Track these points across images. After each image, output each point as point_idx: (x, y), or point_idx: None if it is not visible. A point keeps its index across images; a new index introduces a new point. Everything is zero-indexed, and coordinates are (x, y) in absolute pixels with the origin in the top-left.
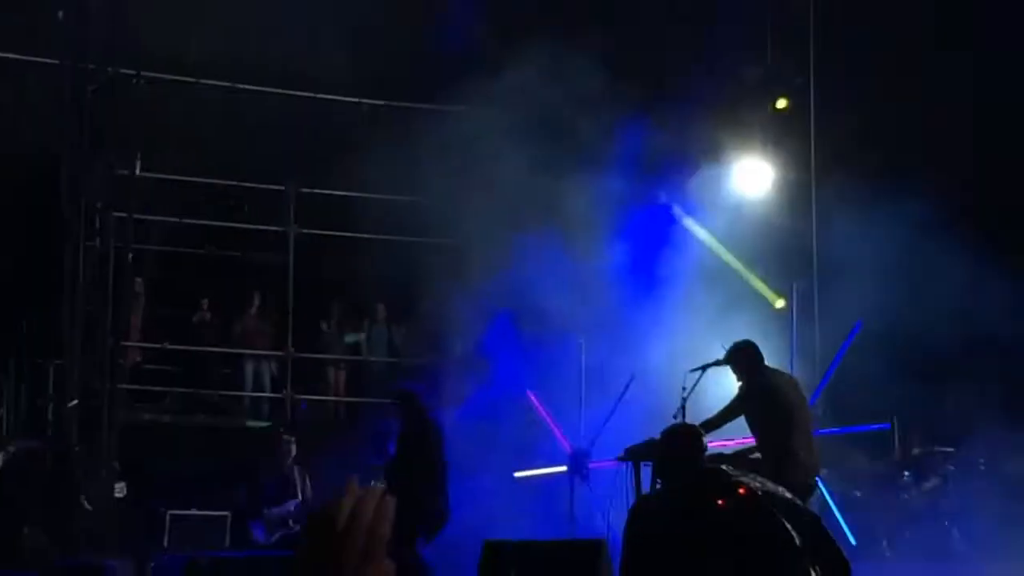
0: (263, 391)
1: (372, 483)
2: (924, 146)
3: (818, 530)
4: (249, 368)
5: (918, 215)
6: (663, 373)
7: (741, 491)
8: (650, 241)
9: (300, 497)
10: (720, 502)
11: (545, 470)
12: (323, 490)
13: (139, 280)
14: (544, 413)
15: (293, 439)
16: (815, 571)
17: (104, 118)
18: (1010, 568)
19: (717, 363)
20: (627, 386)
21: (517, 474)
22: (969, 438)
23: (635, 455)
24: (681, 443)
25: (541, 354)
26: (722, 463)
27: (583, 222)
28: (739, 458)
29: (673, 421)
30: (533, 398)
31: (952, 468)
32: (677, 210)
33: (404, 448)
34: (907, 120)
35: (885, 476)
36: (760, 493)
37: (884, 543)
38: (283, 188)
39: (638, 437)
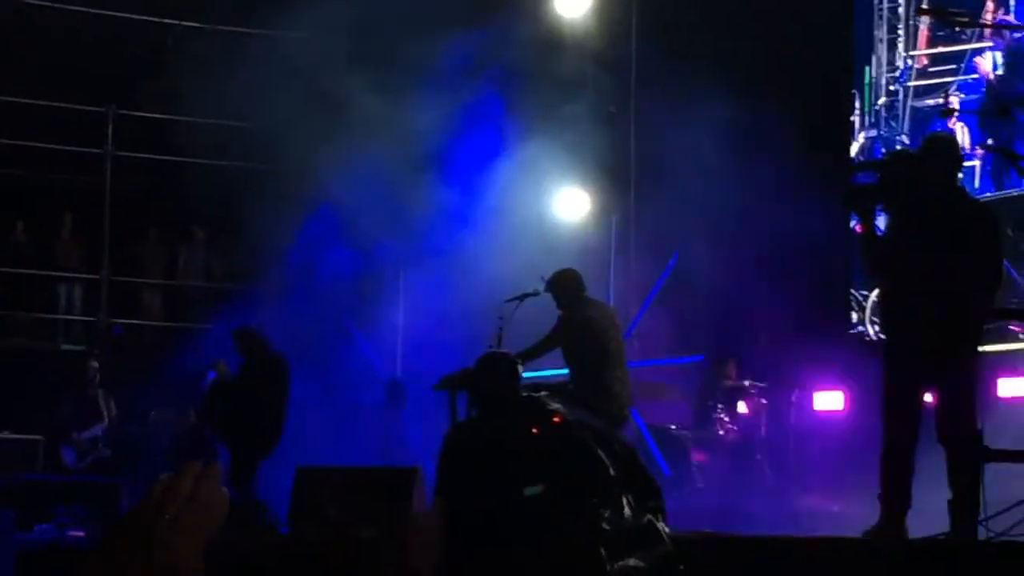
0: (76, 314)
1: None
2: (748, 72)
3: (631, 460)
4: (63, 290)
5: (739, 146)
6: (482, 302)
7: (556, 419)
8: (476, 168)
9: (106, 420)
10: (534, 430)
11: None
12: (130, 413)
13: None
14: (359, 338)
15: (96, 363)
16: (627, 499)
17: None
18: (819, 501)
19: (535, 292)
20: (447, 316)
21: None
22: (782, 373)
23: (451, 383)
24: (495, 371)
25: (360, 280)
26: (538, 392)
27: (407, 147)
28: (556, 388)
29: (489, 350)
30: (348, 323)
31: (764, 402)
32: (503, 137)
33: (253, 379)
34: (723, 45)
35: (700, 409)
36: (574, 422)
37: (697, 475)
38: (102, 110)
39: (456, 366)
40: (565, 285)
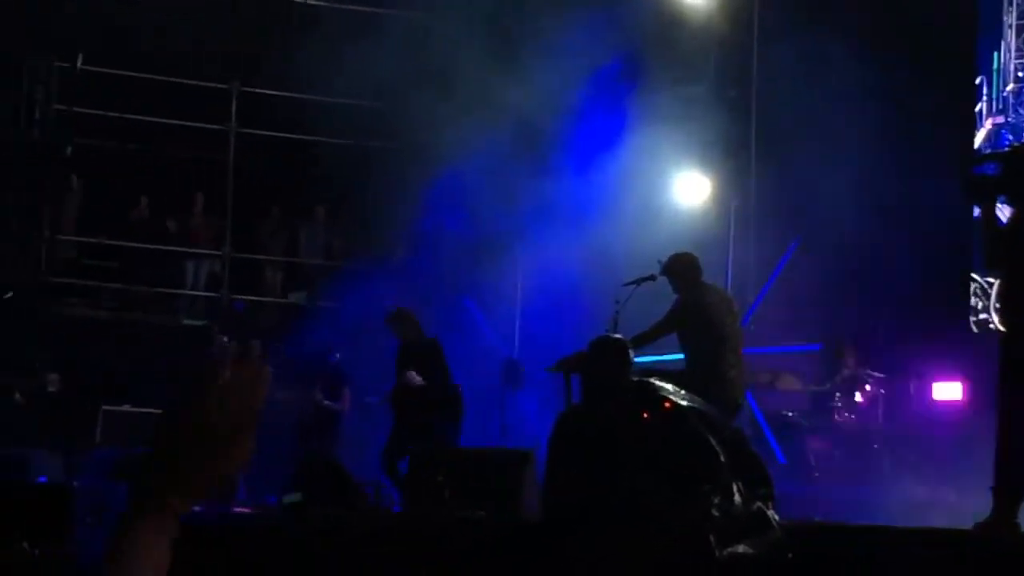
0: (201, 289)
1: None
2: (872, 66)
3: (742, 446)
4: (190, 266)
5: (862, 131)
6: (600, 283)
7: (666, 405)
8: (593, 152)
9: None
10: (645, 415)
11: None
12: None
13: (74, 177)
14: (478, 318)
15: (226, 338)
16: (738, 485)
17: (47, 11)
18: (937, 492)
19: (652, 277)
20: (565, 298)
21: None
22: (901, 362)
23: (566, 366)
24: (606, 355)
25: (479, 260)
26: (651, 376)
27: (528, 128)
28: (668, 373)
29: (603, 334)
30: (468, 303)
31: (882, 391)
32: (622, 122)
33: (421, 359)
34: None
35: (817, 397)
36: (686, 408)
37: (813, 463)
38: (226, 87)
39: (572, 348)
40: (681, 269)
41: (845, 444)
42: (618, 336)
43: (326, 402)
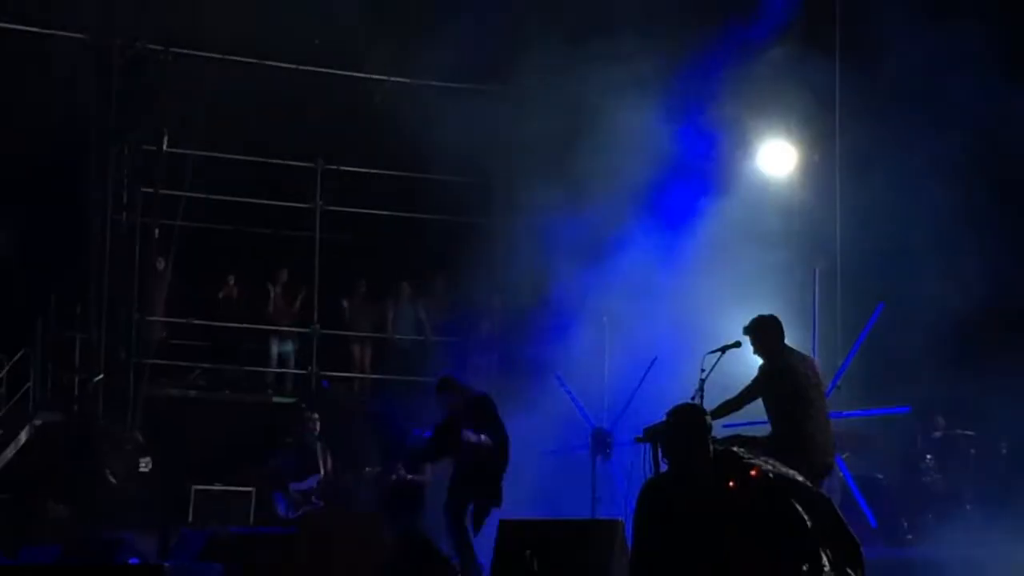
0: (289, 367)
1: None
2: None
3: (830, 512)
4: (275, 344)
5: (943, 195)
6: (687, 352)
7: (752, 473)
8: (675, 222)
9: (322, 472)
10: (731, 483)
11: None
12: (344, 466)
13: (161, 258)
14: (567, 391)
15: (316, 415)
16: (826, 553)
17: (132, 93)
18: None
19: (736, 344)
20: (650, 366)
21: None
22: (991, 422)
23: (652, 435)
24: (683, 424)
25: (566, 332)
26: (736, 444)
27: (610, 201)
28: (754, 439)
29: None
30: (558, 378)
31: (974, 452)
32: (708, 190)
33: (456, 431)
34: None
35: (907, 459)
36: (771, 475)
37: (905, 526)
38: (311, 165)
39: (661, 416)
40: (765, 331)
41: (937, 506)
42: (694, 403)
43: (409, 476)
